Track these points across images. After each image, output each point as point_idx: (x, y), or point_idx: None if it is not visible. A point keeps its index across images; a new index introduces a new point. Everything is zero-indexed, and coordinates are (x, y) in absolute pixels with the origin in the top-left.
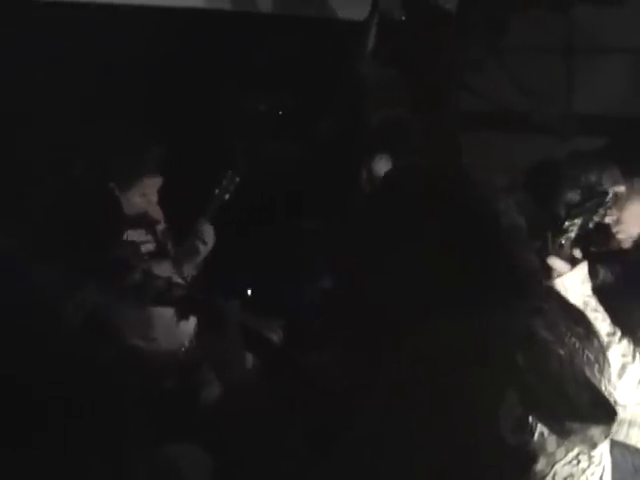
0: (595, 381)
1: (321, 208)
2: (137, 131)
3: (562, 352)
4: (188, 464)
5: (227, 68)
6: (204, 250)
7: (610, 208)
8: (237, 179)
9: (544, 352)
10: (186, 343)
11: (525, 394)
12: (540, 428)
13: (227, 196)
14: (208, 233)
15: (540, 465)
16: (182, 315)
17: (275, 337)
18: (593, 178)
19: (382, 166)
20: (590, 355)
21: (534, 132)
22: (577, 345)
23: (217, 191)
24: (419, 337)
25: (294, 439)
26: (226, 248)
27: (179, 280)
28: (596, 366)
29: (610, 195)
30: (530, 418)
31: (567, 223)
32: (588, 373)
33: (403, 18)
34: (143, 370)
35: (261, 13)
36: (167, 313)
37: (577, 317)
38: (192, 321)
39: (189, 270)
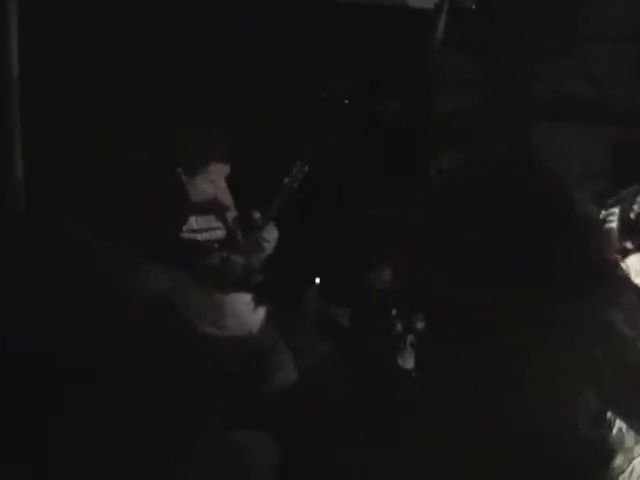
0: None
1: (391, 196)
2: (203, 117)
3: None
4: (255, 450)
5: (293, 55)
6: (268, 247)
7: None
8: (306, 168)
9: (622, 345)
10: (256, 330)
11: (603, 389)
12: (619, 423)
13: (296, 185)
14: (271, 232)
15: (618, 460)
16: (260, 301)
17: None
18: None
19: (452, 156)
20: None
21: (604, 122)
22: None
23: (287, 180)
24: (495, 330)
25: (363, 426)
26: (294, 236)
27: (250, 265)
28: None
29: None
30: (608, 413)
31: (604, 212)
32: None
33: (474, 7)
34: (213, 356)
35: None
36: (238, 299)
37: None
38: (262, 308)
39: (257, 259)
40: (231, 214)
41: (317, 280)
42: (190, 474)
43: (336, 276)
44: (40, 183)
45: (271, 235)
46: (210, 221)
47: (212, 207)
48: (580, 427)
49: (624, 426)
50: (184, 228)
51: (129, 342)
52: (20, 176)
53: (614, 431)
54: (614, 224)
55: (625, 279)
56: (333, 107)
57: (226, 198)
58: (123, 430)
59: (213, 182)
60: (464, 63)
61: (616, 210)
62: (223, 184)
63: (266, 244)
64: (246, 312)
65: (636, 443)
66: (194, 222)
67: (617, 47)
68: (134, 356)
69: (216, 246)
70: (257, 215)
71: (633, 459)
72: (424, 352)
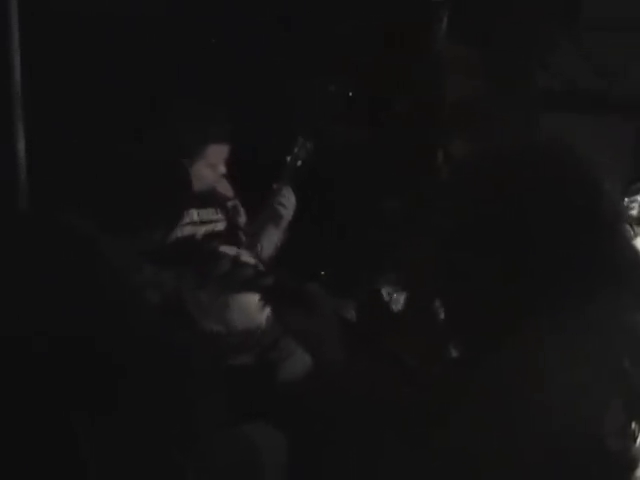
0: None
1: (399, 188)
2: (200, 100)
3: None
4: (265, 443)
5: (298, 44)
6: (287, 214)
7: None
8: (308, 145)
9: None
10: (263, 321)
11: (630, 399)
12: None
13: (299, 163)
14: (288, 195)
15: None
16: (269, 302)
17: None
18: None
19: (460, 147)
20: None
21: (610, 111)
22: None
23: (289, 158)
24: (516, 337)
25: (375, 422)
26: (301, 229)
27: (257, 263)
28: None
29: None
30: (633, 424)
31: (626, 200)
32: None
33: None
34: (219, 352)
35: None
36: (243, 296)
37: None
38: (264, 307)
39: (270, 241)
40: (231, 203)
41: (322, 273)
42: (202, 468)
43: (342, 270)
44: (42, 179)
45: (288, 199)
46: (210, 213)
47: (212, 198)
48: (605, 439)
49: None
50: (186, 220)
51: (135, 340)
52: (23, 172)
53: (638, 442)
54: (635, 211)
55: None
56: (338, 99)
57: (225, 187)
58: (133, 426)
59: (212, 166)
60: (472, 52)
61: (638, 198)
62: (222, 169)
63: (283, 210)
64: (253, 304)
65: None
66: (195, 214)
67: (624, 35)
68: (138, 352)
69: (217, 239)
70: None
71: None
72: (439, 352)
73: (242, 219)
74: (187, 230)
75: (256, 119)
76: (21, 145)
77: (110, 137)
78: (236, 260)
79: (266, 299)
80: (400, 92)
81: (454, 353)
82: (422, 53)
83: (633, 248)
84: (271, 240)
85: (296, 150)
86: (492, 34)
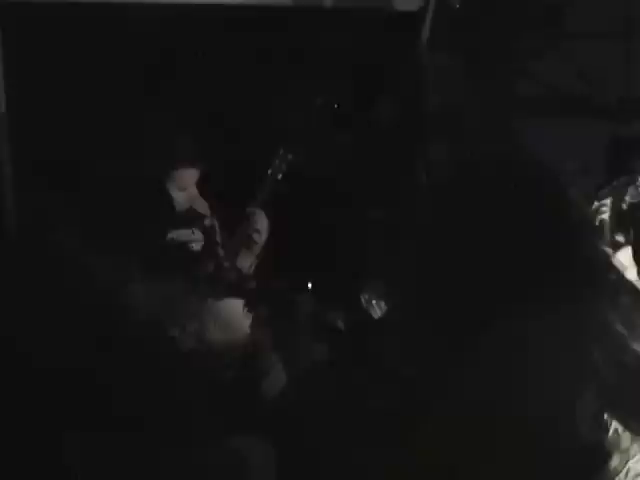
0: None
1: (383, 198)
2: (166, 121)
3: (638, 346)
4: (253, 456)
5: (282, 59)
6: (260, 240)
7: None
8: (290, 157)
9: (619, 346)
10: (243, 336)
11: (601, 390)
12: (615, 425)
13: (280, 176)
14: (261, 220)
15: (614, 462)
16: (252, 306)
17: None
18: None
19: (439, 157)
20: None
21: (594, 117)
22: None
23: (270, 171)
24: (492, 333)
25: (359, 428)
26: (286, 239)
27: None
28: None
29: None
30: (605, 414)
31: (596, 204)
32: None
33: (458, 6)
34: (204, 364)
35: (317, 6)
36: (225, 306)
37: None
38: (249, 314)
39: (244, 264)
40: (207, 222)
41: (309, 284)
42: None
43: (330, 280)
44: (28, 198)
45: (261, 224)
46: (187, 234)
47: (187, 219)
48: (578, 429)
49: (620, 427)
50: (162, 243)
51: (119, 349)
52: (9, 191)
53: (610, 432)
54: (606, 215)
55: (620, 279)
56: (324, 110)
57: (201, 206)
58: (120, 439)
59: (184, 190)
60: (453, 62)
61: (608, 202)
62: (195, 191)
63: (256, 235)
64: (234, 319)
65: (632, 444)
66: (171, 236)
67: (605, 43)
68: (124, 364)
69: (197, 258)
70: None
71: (629, 460)
72: (419, 356)
73: (219, 237)
74: (168, 250)
75: (235, 134)
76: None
77: (88, 159)
78: (219, 264)
79: (250, 305)
80: (382, 100)
81: (434, 354)
82: (403, 62)
83: (602, 252)
84: (244, 265)
85: (277, 162)
86: (473, 42)
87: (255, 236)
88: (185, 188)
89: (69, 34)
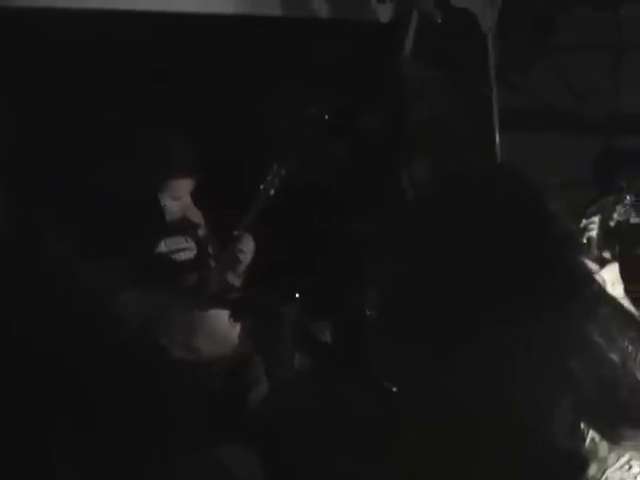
0: None
1: (371, 210)
2: (161, 132)
3: (615, 357)
4: (237, 466)
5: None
6: (245, 260)
7: (630, 206)
8: (283, 172)
9: (597, 357)
10: (230, 347)
11: (578, 400)
12: (592, 434)
13: (272, 192)
14: (247, 242)
15: (592, 471)
16: (237, 317)
17: (324, 339)
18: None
19: (424, 169)
20: None
21: (582, 131)
22: (630, 349)
23: (262, 187)
24: (471, 342)
25: (343, 440)
26: (273, 251)
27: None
28: None
29: (627, 194)
30: (582, 424)
31: (584, 221)
32: None
33: (440, 20)
34: (192, 373)
35: (305, 17)
36: (213, 317)
37: (629, 320)
38: (237, 325)
39: (233, 277)
40: (201, 231)
41: (297, 295)
42: None
43: (316, 292)
44: (21, 207)
45: (247, 245)
46: (180, 242)
47: (180, 227)
48: (556, 437)
49: (597, 436)
50: (154, 251)
51: (106, 362)
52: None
53: (587, 441)
54: (594, 233)
55: (600, 291)
56: (316, 122)
57: (195, 215)
58: (105, 450)
59: (178, 199)
60: (434, 75)
61: (596, 219)
62: (188, 200)
63: (241, 255)
64: (221, 330)
65: (609, 453)
66: (163, 244)
67: (594, 56)
68: (111, 374)
69: (188, 267)
70: (232, 230)
71: (606, 469)
72: (403, 365)
73: (212, 247)
74: (157, 260)
75: (229, 145)
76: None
77: (78, 169)
78: (204, 275)
79: (236, 315)
80: (365, 111)
81: (418, 363)
82: (388, 80)
83: (583, 264)
84: (232, 277)
85: (269, 178)
86: (454, 55)
87: (241, 256)
88: (179, 197)
89: (62, 39)
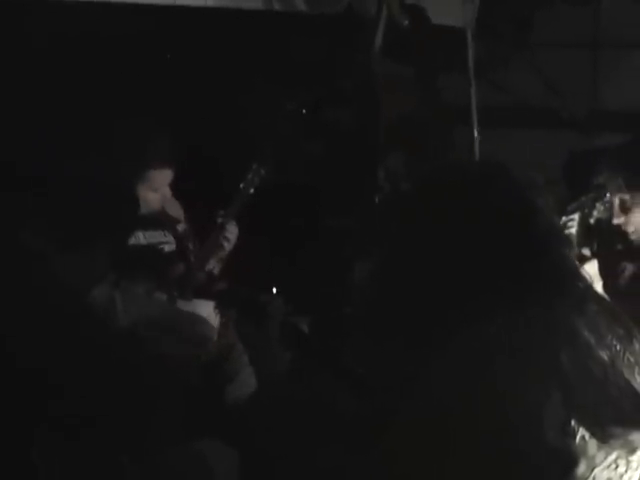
0: (636, 385)
1: (347, 206)
2: (140, 122)
3: (603, 354)
4: (216, 460)
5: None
6: (227, 247)
7: (610, 204)
8: (263, 172)
9: (586, 354)
10: (211, 341)
11: (568, 396)
12: (581, 431)
13: (252, 190)
14: (231, 230)
15: (581, 469)
16: (223, 309)
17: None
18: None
19: (399, 164)
20: (631, 358)
21: (560, 128)
22: (618, 347)
23: (242, 185)
24: (460, 338)
25: (325, 435)
26: (252, 245)
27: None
28: (636, 369)
29: (607, 192)
30: (572, 421)
31: (564, 218)
32: (628, 376)
33: (406, 22)
34: (169, 369)
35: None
36: (195, 310)
37: (617, 318)
38: (216, 320)
39: (212, 268)
40: (180, 226)
41: (274, 289)
42: None
43: (294, 287)
44: None
45: (231, 232)
46: (158, 236)
47: (159, 221)
48: (545, 435)
49: (587, 434)
50: (132, 244)
51: (83, 354)
52: None
53: (577, 439)
54: (573, 230)
55: (587, 287)
56: (294, 117)
57: (175, 210)
58: (84, 444)
59: (156, 190)
60: (404, 72)
61: (576, 216)
62: (168, 192)
63: (225, 244)
64: (201, 323)
65: (598, 451)
66: (141, 236)
67: (573, 53)
68: (90, 369)
69: (168, 260)
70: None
71: (595, 467)
72: (387, 360)
73: (192, 242)
74: (136, 252)
75: (208, 142)
76: None
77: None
78: (190, 266)
79: (220, 306)
80: (341, 109)
81: (402, 359)
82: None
83: (571, 260)
84: (212, 269)
85: (250, 177)
86: (430, 51)
87: (225, 244)
88: (158, 189)
89: (39, 31)
